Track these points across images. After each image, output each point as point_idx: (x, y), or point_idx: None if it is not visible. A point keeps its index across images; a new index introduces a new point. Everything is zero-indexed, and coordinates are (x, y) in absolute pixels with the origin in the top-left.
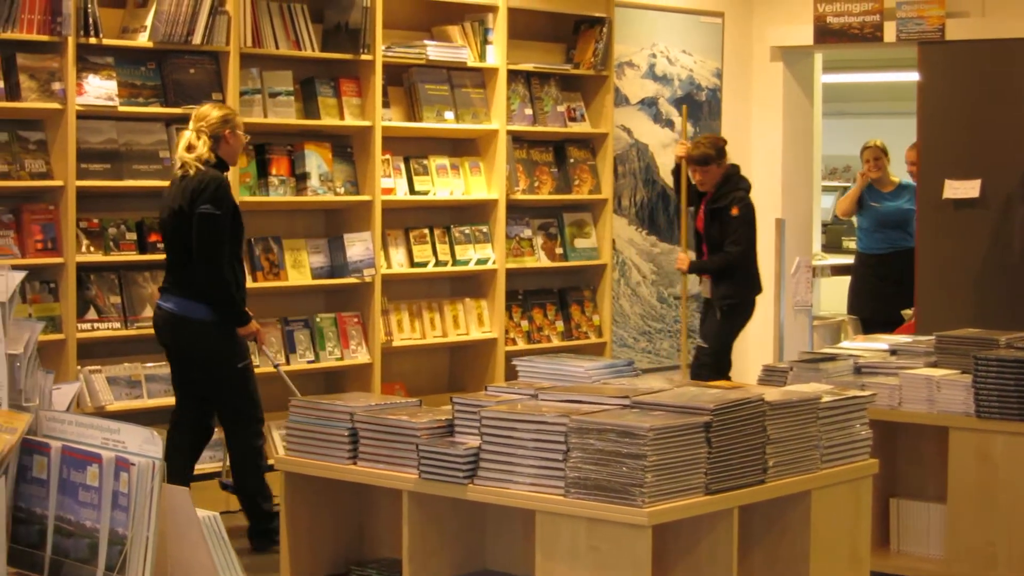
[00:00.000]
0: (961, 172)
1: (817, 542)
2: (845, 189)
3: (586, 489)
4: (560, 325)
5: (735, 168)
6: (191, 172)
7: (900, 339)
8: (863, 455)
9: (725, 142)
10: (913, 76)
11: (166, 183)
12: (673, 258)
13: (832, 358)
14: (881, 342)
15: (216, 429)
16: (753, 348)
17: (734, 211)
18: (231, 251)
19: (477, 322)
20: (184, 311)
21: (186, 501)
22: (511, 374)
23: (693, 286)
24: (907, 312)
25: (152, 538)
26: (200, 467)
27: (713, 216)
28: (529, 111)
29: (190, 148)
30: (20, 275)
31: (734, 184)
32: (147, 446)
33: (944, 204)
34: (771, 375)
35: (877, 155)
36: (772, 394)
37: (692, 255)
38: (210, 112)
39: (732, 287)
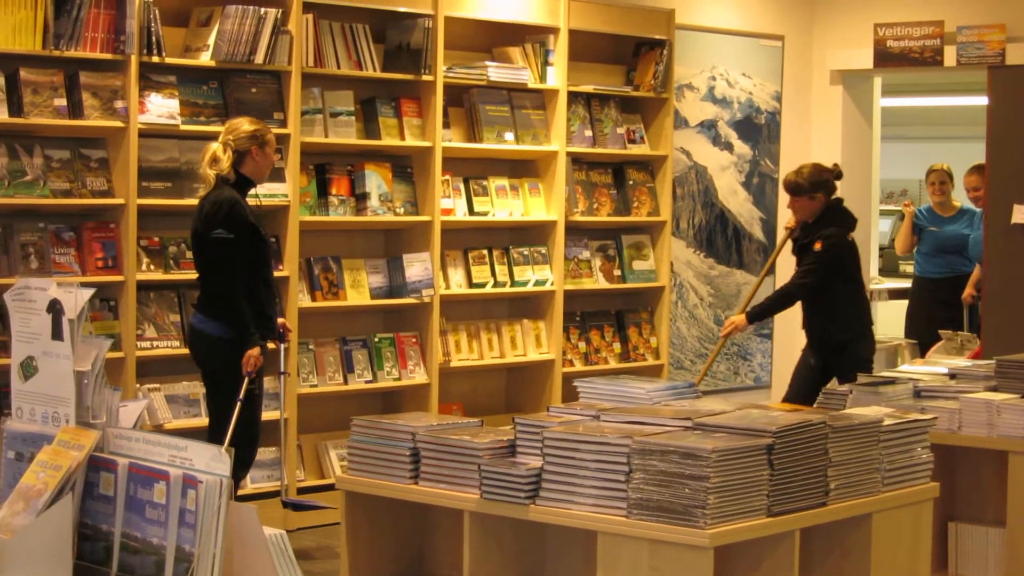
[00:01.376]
0: None
1: (877, 565)
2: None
3: (648, 510)
4: (617, 347)
5: (836, 202)
6: (208, 190)
7: (960, 363)
8: (924, 479)
9: (831, 175)
10: (972, 100)
11: None
12: (731, 281)
13: (892, 381)
14: (941, 366)
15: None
16: None
17: (817, 246)
18: (255, 270)
19: (535, 343)
20: (202, 326)
21: (253, 519)
22: (568, 395)
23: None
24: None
25: (219, 556)
26: (264, 486)
27: (800, 253)
28: (589, 133)
29: (215, 161)
30: (89, 292)
31: (828, 220)
32: (214, 464)
33: (1012, 229)
34: (831, 398)
35: (943, 179)
36: (834, 417)
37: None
38: (241, 125)
39: (823, 328)
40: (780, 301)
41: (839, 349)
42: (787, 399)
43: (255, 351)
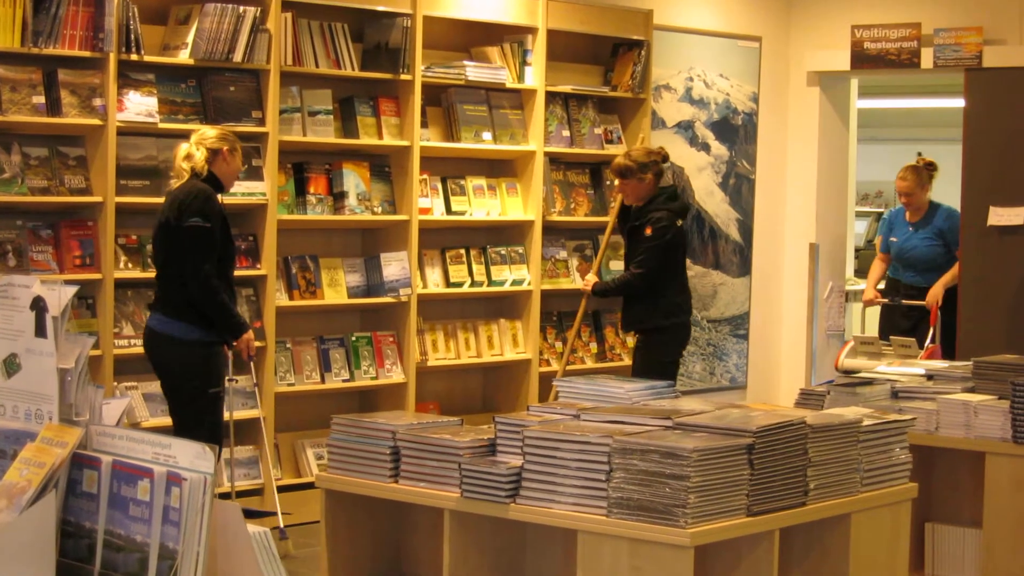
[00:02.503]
0: (1006, 199)
1: (856, 565)
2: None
3: (628, 509)
4: (594, 347)
5: (670, 188)
6: (181, 182)
7: (937, 364)
8: (902, 479)
9: (660, 158)
10: (947, 102)
11: None
12: (707, 281)
13: (869, 382)
14: (919, 367)
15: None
16: (785, 372)
17: (647, 231)
18: (220, 270)
19: (512, 343)
20: (164, 328)
21: (237, 517)
22: (544, 395)
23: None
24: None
25: (203, 553)
26: (241, 484)
27: (631, 235)
28: (566, 133)
29: (188, 157)
30: (72, 290)
31: (658, 204)
32: (198, 461)
33: (988, 231)
34: (808, 399)
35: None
36: (813, 417)
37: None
38: (209, 129)
39: (640, 312)
40: (623, 288)
41: (655, 333)
42: None
43: (250, 334)
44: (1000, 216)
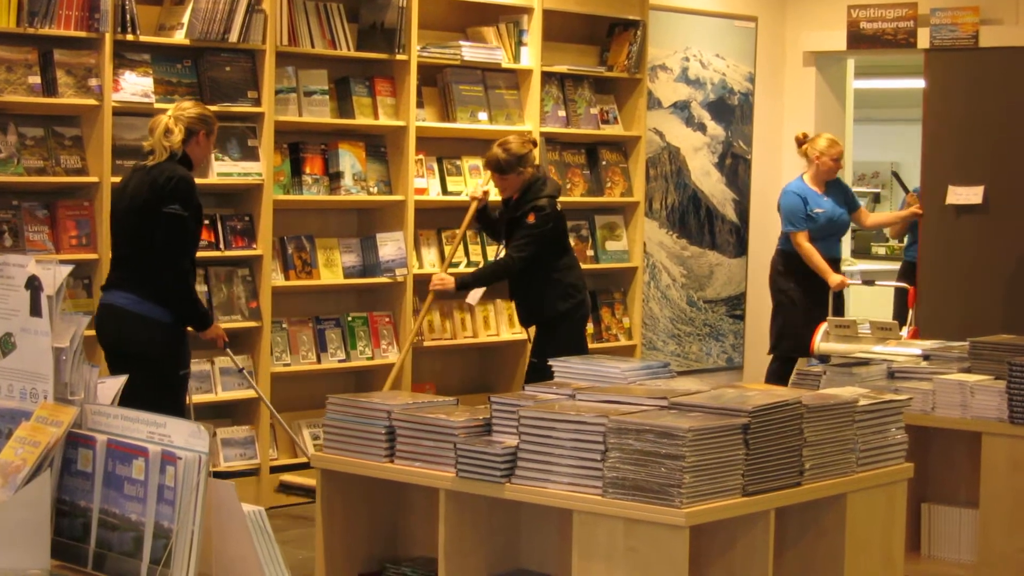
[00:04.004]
0: (964, 178)
1: (852, 545)
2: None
3: (624, 489)
4: (590, 327)
5: (539, 173)
6: (158, 160)
7: (932, 344)
8: (898, 459)
9: (532, 145)
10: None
11: (201, 180)
12: (704, 261)
13: (866, 362)
14: (915, 347)
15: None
16: None
17: (530, 219)
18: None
19: (508, 323)
20: (136, 308)
21: (231, 496)
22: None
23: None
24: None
25: (197, 532)
26: (239, 464)
27: (510, 227)
28: (562, 113)
29: (168, 133)
30: (67, 269)
31: (535, 192)
32: (193, 440)
33: (947, 210)
34: (804, 379)
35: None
36: (809, 397)
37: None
38: (190, 106)
39: (540, 300)
40: (495, 273)
41: (557, 319)
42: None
43: (217, 325)
44: (959, 195)
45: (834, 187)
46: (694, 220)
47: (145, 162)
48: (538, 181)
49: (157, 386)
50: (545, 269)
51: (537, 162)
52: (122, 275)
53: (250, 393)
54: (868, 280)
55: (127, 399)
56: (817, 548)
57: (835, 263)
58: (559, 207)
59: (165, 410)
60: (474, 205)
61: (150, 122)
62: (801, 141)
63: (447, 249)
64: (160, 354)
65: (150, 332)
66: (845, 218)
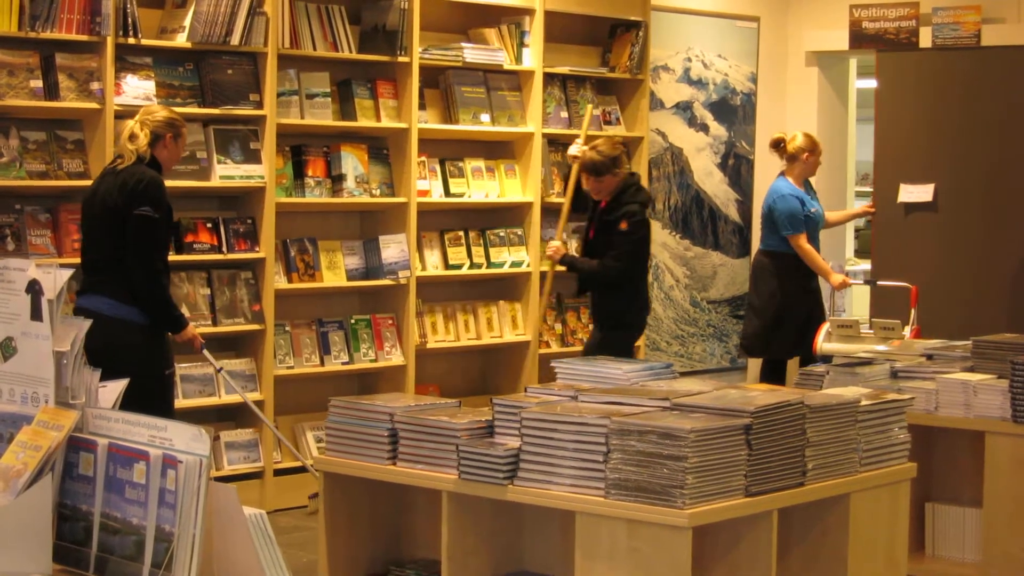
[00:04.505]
0: (916, 176)
1: (855, 545)
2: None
3: (626, 490)
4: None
5: (634, 178)
6: (127, 164)
7: (935, 343)
8: (901, 459)
9: (623, 149)
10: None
11: (204, 183)
12: (707, 262)
13: (869, 362)
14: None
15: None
16: None
17: (623, 225)
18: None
19: (511, 325)
20: (115, 312)
21: (233, 499)
22: (544, 377)
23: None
24: None
25: (198, 535)
26: (242, 467)
27: (602, 229)
28: (564, 114)
29: (133, 138)
30: (68, 273)
31: (630, 197)
32: (194, 444)
33: (899, 208)
34: (808, 379)
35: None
36: (812, 397)
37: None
38: (158, 110)
39: (619, 304)
40: (592, 276)
41: (621, 325)
42: None
43: (191, 327)
44: (910, 193)
45: (807, 185)
46: (697, 221)
47: (114, 165)
48: (631, 186)
49: (143, 389)
50: (628, 278)
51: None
52: (96, 279)
53: (253, 396)
54: (870, 280)
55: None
56: (821, 548)
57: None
58: (648, 216)
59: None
60: (576, 166)
61: (118, 126)
62: (780, 142)
63: (563, 213)
64: (142, 357)
65: (130, 335)
66: (823, 214)
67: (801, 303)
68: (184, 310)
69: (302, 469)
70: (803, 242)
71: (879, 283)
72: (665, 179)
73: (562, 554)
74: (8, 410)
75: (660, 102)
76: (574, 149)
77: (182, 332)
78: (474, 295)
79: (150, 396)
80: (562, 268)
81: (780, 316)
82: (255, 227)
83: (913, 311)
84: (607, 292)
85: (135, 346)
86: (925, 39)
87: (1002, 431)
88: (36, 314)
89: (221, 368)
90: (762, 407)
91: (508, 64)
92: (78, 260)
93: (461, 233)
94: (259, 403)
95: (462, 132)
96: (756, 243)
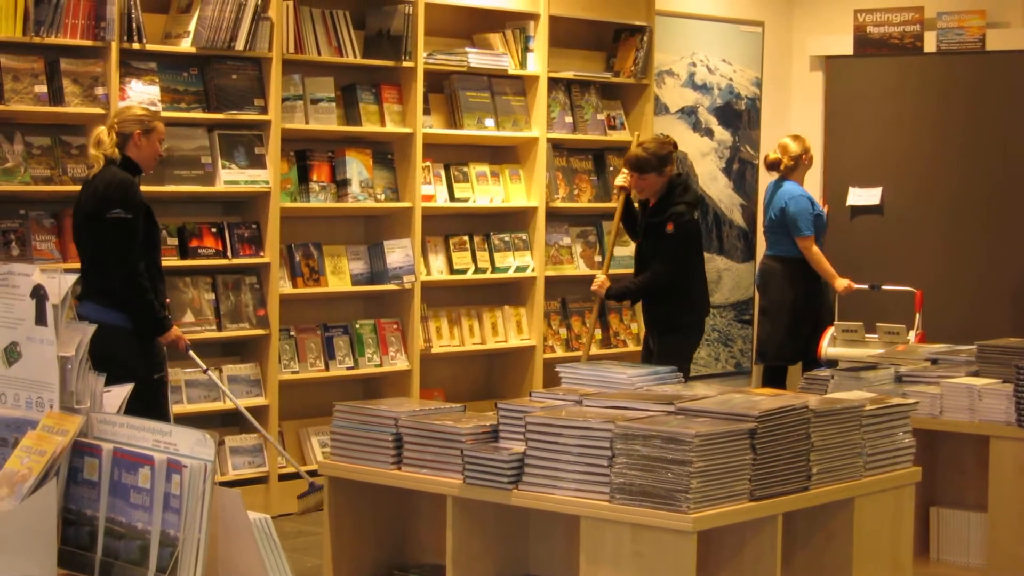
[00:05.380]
0: (864, 180)
1: (860, 549)
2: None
3: (631, 495)
4: (598, 333)
5: (681, 179)
6: (96, 170)
7: (940, 348)
8: (906, 463)
9: (672, 147)
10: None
11: (208, 188)
12: (711, 267)
13: (873, 366)
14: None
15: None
16: None
17: (669, 227)
18: (148, 256)
19: (516, 329)
20: (101, 317)
21: (238, 504)
22: (549, 381)
23: None
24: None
25: (203, 540)
26: (247, 472)
27: (648, 231)
28: (569, 119)
29: (98, 143)
30: (72, 278)
31: (677, 197)
32: (199, 448)
33: (847, 211)
34: (812, 383)
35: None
36: (816, 401)
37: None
38: (130, 108)
39: (667, 306)
40: (646, 289)
41: (676, 329)
42: None
43: (175, 329)
44: (859, 196)
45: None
46: (702, 225)
47: (89, 174)
48: (679, 186)
49: (133, 394)
50: (678, 281)
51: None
52: (86, 286)
53: (258, 401)
54: (875, 285)
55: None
56: (825, 553)
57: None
58: (697, 216)
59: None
60: (622, 196)
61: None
62: (776, 163)
63: (607, 242)
64: (129, 362)
65: (117, 341)
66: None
67: (812, 307)
68: (188, 315)
69: (308, 474)
70: (812, 244)
71: (884, 287)
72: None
73: (567, 558)
74: (13, 415)
75: (665, 107)
76: (620, 180)
77: (166, 334)
78: (479, 300)
79: (139, 401)
80: (612, 302)
81: (795, 321)
82: (260, 232)
83: (918, 315)
84: (661, 297)
85: (120, 351)
86: (930, 44)
87: (1007, 435)
88: (41, 319)
89: (207, 369)
90: (767, 411)
91: (512, 69)
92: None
93: (466, 238)
94: (264, 408)
95: (467, 137)
96: (760, 248)
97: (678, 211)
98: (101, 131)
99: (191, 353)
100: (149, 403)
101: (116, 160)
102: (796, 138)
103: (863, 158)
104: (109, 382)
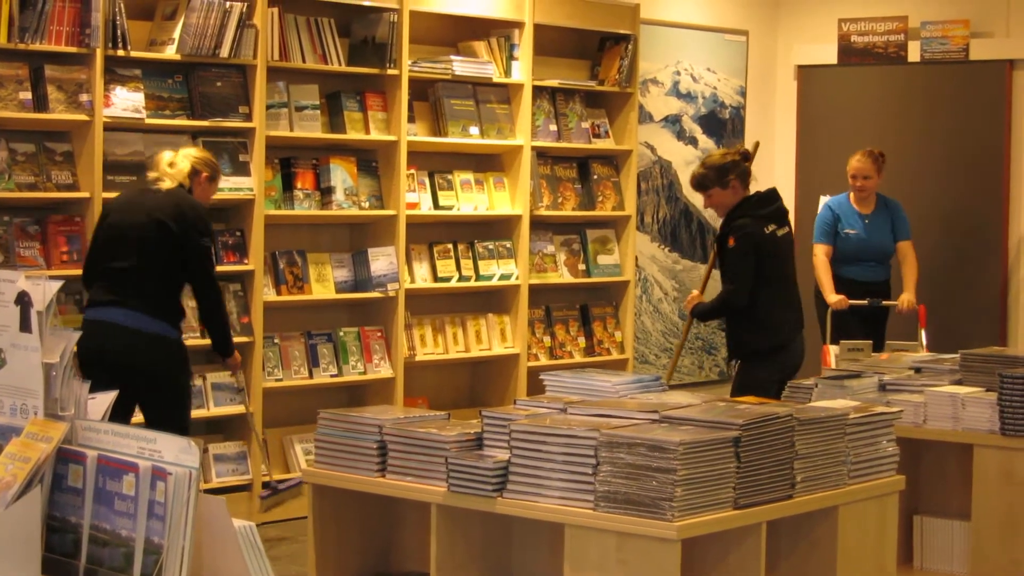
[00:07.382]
0: (836, 188)
1: (844, 558)
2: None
3: (615, 503)
4: (582, 341)
5: (763, 193)
6: (171, 186)
7: (924, 357)
8: (890, 471)
9: (739, 157)
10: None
11: None
12: (695, 275)
13: (857, 375)
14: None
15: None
16: None
17: (730, 242)
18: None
19: (500, 337)
20: (144, 325)
21: (222, 511)
22: (533, 390)
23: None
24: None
25: (188, 548)
26: (231, 480)
27: (718, 250)
28: (553, 127)
29: (172, 164)
30: (57, 284)
31: (742, 211)
32: (183, 456)
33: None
34: (796, 392)
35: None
36: (800, 410)
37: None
38: (206, 152)
39: (739, 329)
40: (719, 309)
41: (750, 355)
42: None
43: (238, 354)
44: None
45: (882, 211)
46: (686, 234)
47: (155, 186)
48: (750, 199)
49: (169, 402)
50: (748, 304)
51: (754, 179)
52: (123, 292)
53: (242, 408)
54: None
55: (118, 415)
56: (809, 561)
57: (879, 287)
58: (773, 230)
59: (180, 422)
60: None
61: (155, 157)
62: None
63: (704, 274)
64: (174, 371)
65: (167, 350)
66: (885, 244)
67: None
68: None
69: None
70: (818, 251)
71: (884, 303)
72: (654, 192)
73: (551, 566)
74: None
75: (649, 115)
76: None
77: (233, 356)
78: (463, 308)
79: (176, 408)
80: (698, 320)
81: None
82: (244, 239)
83: (923, 331)
84: (730, 319)
85: (168, 361)
86: (914, 53)
87: (990, 444)
88: (25, 326)
89: (242, 388)
90: (751, 419)
91: (497, 77)
92: (67, 272)
93: (450, 246)
94: (247, 416)
95: (451, 145)
96: None
97: (739, 224)
98: (177, 156)
99: (237, 376)
100: (183, 409)
101: (187, 185)
102: (855, 156)
103: (844, 167)
104: (141, 390)
